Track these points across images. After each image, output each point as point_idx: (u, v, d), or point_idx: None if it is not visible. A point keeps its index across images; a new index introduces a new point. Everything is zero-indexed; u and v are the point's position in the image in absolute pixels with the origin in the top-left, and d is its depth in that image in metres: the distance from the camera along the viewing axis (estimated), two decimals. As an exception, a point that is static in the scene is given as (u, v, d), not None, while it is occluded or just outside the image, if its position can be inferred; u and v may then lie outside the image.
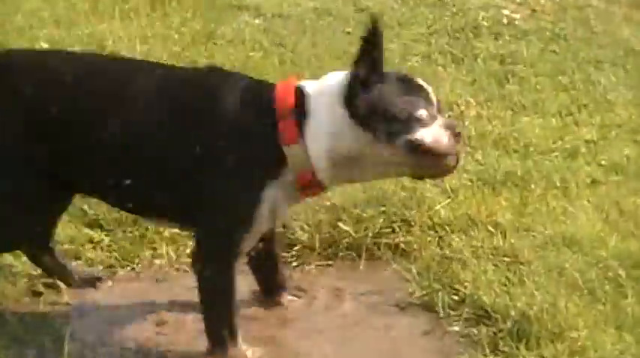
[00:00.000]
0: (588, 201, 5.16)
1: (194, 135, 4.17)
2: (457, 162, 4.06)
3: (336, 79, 4.14)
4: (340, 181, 4.26)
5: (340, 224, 4.94)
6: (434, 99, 4.07)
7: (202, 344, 4.23)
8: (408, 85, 4.08)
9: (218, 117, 4.16)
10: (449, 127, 4.02)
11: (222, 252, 4.22)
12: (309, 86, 4.17)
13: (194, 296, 4.47)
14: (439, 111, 4.07)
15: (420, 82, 4.11)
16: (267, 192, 4.11)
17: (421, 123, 3.98)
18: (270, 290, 4.66)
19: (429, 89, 4.08)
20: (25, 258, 4.78)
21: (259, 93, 4.23)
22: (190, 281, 4.70)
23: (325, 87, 4.15)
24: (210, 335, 4.26)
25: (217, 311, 4.27)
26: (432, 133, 3.97)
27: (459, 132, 4.03)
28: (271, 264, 4.62)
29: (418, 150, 3.97)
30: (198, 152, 4.14)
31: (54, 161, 4.28)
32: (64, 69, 4.41)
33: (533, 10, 7.17)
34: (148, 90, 4.30)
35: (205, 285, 4.25)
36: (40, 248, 4.67)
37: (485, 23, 6.94)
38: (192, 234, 4.35)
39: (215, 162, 4.13)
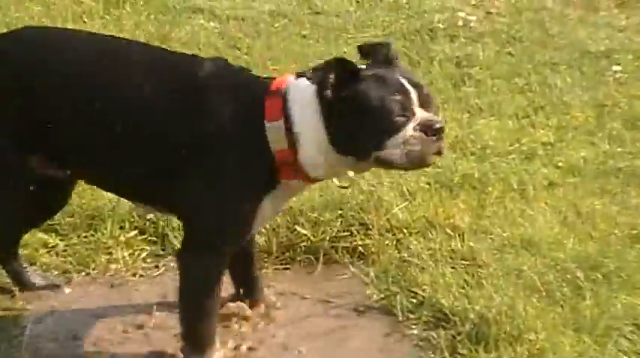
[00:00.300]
0: (546, 203, 5.17)
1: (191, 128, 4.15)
2: (438, 155, 3.99)
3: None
4: (328, 175, 4.22)
5: (297, 227, 4.94)
6: (412, 95, 3.95)
7: (163, 347, 4.24)
8: (383, 86, 3.96)
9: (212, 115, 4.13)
10: (425, 127, 3.91)
11: (215, 251, 4.17)
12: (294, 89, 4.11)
13: (151, 301, 4.48)
14: (423, 103, 3.96)
15: (397, 76, 3.99)
16: (263, 202, 4.11)
17: (395, 129, 3.91)
18: (248, 289, 4.63)
19: (407, 84, 3.95)
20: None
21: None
22: (147, 286, 4.72)
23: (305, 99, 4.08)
24: (188, 333, 4.22)
25: (197, 311, 4.23)
26: (402, 145, 3.89)
27: (438, 129, 3.93)
28: (249, 263, 4.59)
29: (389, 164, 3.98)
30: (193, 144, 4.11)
31: (53, 139, 4.26)
32: (73, 49, 4.39)
33: (489, 13, 7.19)
34: (147, 73, 4.28)
35: (193, 277, 4.19)
36: (6, 250, 4.66)
37: (440, 26, 6.95)
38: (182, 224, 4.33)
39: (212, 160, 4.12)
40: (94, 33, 4.85)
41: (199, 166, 4.11)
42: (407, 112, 3.92)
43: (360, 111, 3.95)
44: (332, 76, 3.96)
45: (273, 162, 4.05)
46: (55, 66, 4.35)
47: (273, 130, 4.04)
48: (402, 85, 3.96)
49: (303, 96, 4.03)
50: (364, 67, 4.07)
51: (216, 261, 4.17)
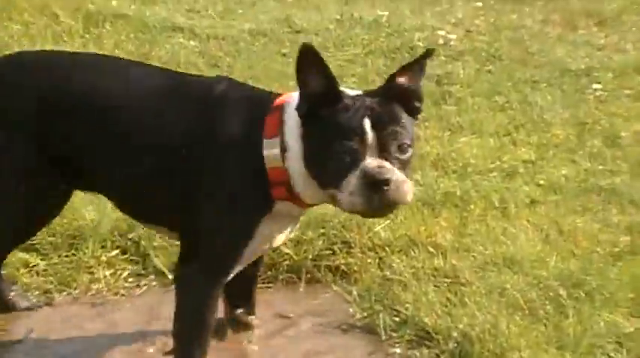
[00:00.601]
0: (527, 221, 5.18)
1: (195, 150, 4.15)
2: (383, 210, 3.89)
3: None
4: (318, 199, 4.10)
5: (280, 246, 4.93)
6: (369, 140, 3.82)
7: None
8: (343, 124, 3.85)
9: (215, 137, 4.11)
10: (367, 179, 3.79)
11: (213, 272, 4.14)
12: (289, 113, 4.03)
13: (134, 321, 4.47)
14: (382, 148, 3.82)
15: (364, 114, 3.83)
16: (261, 227, 4.07)
17: (339, 175, 3.82)
18: (238, 315, 4.60)
19: (367, 127, 3.81)
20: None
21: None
22: (129, 305, 4.71)
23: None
24: (178, 349, 4.20)
25: (195, 330, 4.22)
26: (348, 194, 3.80)
27: (379, 182, 3.79)
28: (249, 285, 4.57)
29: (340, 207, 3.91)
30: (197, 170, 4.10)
31: (66, 159, 4.24)
32: (72, 70, 4.37)
33: (468, 31, 7.22)
34: (152, 96, 4.28)
35: (189, 301, 4.17)
36: None
37: (420, 44, 6.97)
38: (182, 244, 4.28)
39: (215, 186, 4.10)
40: (86, 53, 4.81)
41: (204, 186, 4.10)
42: (354, 159, 3.81)
43: (315, 148, 3.91)
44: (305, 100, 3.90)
45: (267, 182, 4.01)
46: (63, 89, 4.35)
47: (269, 147, 4.00)
48: (362, 128, 3.82)
49: (295, 114, 3.97)
50: (351, 92, 3.95)
51: (213, 282, 4.15)
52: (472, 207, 5.27)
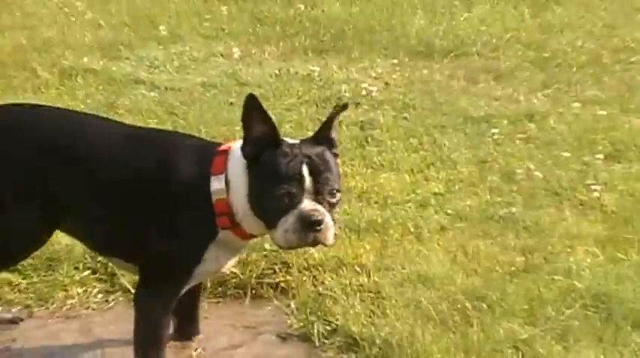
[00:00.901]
0: (438, 244, 5.19)
1: (147, 195, 4.13)
2: (317, 242, 3.88)
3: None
4: (258, 232, 4.08)
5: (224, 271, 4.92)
6: (306, 184, 3.83)
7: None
8: (283, 170, 3.85)
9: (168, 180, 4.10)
10: (303, 219, 3.80)
11: (166, 292, 4.11)
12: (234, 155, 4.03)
13: (103, 332, 4.43)
14: (316, 191, 3.83)
15: (302, 160, 3.85)
16: (207, 252, 4.06)
17: (277, 216, 3.83)
18: (185, 328, 4.57)
19: (305, 172, 3.82)
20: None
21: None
22: (99, 318, 4.67)
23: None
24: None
25: (150, 344, 4.18)
26: (283, 231, 3.83)
27: (312, 222, 3.80)
28: (194, 301, 4.52)
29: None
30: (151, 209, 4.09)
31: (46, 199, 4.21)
32: (48, 126, 4.33)
33: (387, 84, 7.23)
34: (114, 149, 4.24)
35: (145, 317, 4.14)
36: None
37: (347, 94, 6.98)
38: (139, 270, 4.23)
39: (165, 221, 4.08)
40: (67, 109, 4.75)
41: (159, 218, 4.07)
42: (292, 202, 3.81)
43: (258, 187, 3.90)
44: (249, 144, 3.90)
45: (212, 212, 3.99)
46: (44, 142, 4.31)
47: (215, 182, 3.98)
48: (300, 174, 3.83)
49: (240, 156, 3.96)
50: (289, 140, 3.95)
51: (166, 301, 4.12)
52: (391, 232, 5.26)
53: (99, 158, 4.21)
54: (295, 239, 3.84)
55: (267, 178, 3.86)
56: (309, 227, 3.81)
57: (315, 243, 3.89)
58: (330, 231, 3.87)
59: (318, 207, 3.83)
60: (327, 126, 4.00)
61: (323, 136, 4.00)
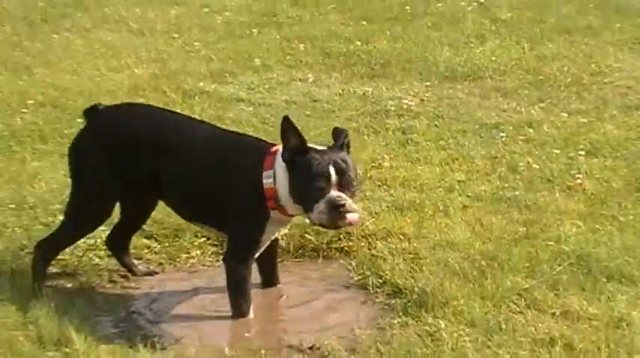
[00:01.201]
0: (461, 218, 5.16)
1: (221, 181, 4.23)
2: (342, 224, 4.05)
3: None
4: (298, 213, 4.19)
5: (306, 235, 4.93)
6: (333, 179, 4.00)
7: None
8: (316, 170, 4.00)
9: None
10: (331, 204, 3.97)
11: (244, 255, 4.23)
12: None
13: (214, 282, 4.47)
14: (341, 185, 4.00)
15: (329, 163, 4.01)
16: (266, 227, 4.19)
17: (312, 202, 3.99)
18: (268, 280, 4.60)
19: (332, 171, 3.99)
20: (106, 259, 4.75)
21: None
22: (211, 272, 4.71)
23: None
24: (233, 306, 4.25)
25: (239, 291, 4.25)
26: (318, 213, 3.99)
27: (339, 205, 3.96)
28: (271, 261, 4.56)
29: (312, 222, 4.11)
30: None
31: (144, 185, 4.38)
32: (143, 121, 4.44)
33: (422, 100, 7.18)
34: (199, 145, 4.32)
35: (232, 274, 4.25)
36: (121, 249, 4.65)
37: (392, 108, 6.94)
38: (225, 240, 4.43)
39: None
40: (175, 112, 4.87)
41: (231, 201, 4.20)
42: (322, 193, 3.96)
43: (297, 183, 4.03)
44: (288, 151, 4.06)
45: (264, 197, 4.12)
46: (149, 133, 4.38)
47: (266, 175, 4.11)
48: (328, 172, 3.98)
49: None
50: (318, 147, 4.10)
51: (246, 263, 4.23)
52: (426, 210, 5.23)
53: (188, 149, 4.31)
54: (326, 218, 4.00)
55: (303, 177, 4.01)
56: (337, 208, 3.96)
57: (344, 225, 4.05)
58: (354, 214, 4.02)
59: (342, 194, 3.98)
60: (345, 138, 4.16)
61: (343, 144, 4.14)
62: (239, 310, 4.26)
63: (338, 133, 4.21)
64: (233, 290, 4.27)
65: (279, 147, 4.16)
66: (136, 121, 4.44)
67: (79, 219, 4.45)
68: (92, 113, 4.47)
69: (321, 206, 3.99)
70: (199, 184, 4.29)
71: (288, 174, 4.07)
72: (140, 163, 4.32)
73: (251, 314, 4.27)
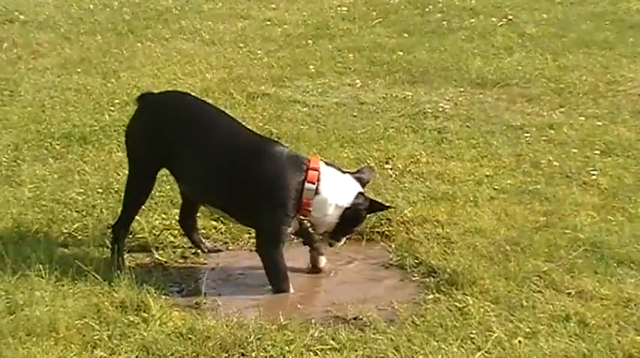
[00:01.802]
0: (488, 208, 5.11)
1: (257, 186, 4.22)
2: None
3: (345, 189, 4.24)
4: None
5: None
6: None
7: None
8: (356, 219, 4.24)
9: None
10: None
11: (275, 243, 4.23)
12: (326, 169, 4.21)
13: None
14: None
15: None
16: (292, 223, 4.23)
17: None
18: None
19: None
20: (179, 237, 4.78)
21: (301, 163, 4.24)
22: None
23: (337, 188, 4.22)
24: (274, 285, 4.26)
25: (276, 273, 4.26)
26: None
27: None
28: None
29: None
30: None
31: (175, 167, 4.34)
32: (184, 111, 4.39)
33: (456, 104, 7.09)
34: (232, 143, 4.29)
35: (267, 261, 4.25)
36: (190, 227, 4.66)
37: (429, 110, 6.87)
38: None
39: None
40: (215, 107, 4.71)
41: (266, 201, 4.17)
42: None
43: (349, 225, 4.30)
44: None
45: (300, 204, 4.13)
46: (185, 119, 4.33)
47: (308, 188, 4.13)
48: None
49: (333, 183, 4.20)
50: (364, 195, 4.26)
51: (279, 248, 4.25)
52: (457, 200, 5.20)
53: (223, 142, 4.28)
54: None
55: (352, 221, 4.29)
56: None
57: None
58: None
59: None
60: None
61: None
62: (279, 288, 4.26)
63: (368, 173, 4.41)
64: (271, 273, 4.27)
65: (319, 165, 4.18)
66: (178, 106, 4.42)
67: (131, 194, 4.45)
68: (142, 99, 4.48)
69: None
70: (232, 178, 4.25)
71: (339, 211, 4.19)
72: (177, 143, 4.30)
73: (291, 290, 4.27)
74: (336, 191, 4.19)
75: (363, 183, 4.34)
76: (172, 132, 4.28)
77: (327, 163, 4.32)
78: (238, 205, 4.28)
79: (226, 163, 4.23)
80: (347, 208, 4.20)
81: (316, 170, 4.16)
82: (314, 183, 4.14)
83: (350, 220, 4.24)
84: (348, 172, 4.41)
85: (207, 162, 4.25)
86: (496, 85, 7.50)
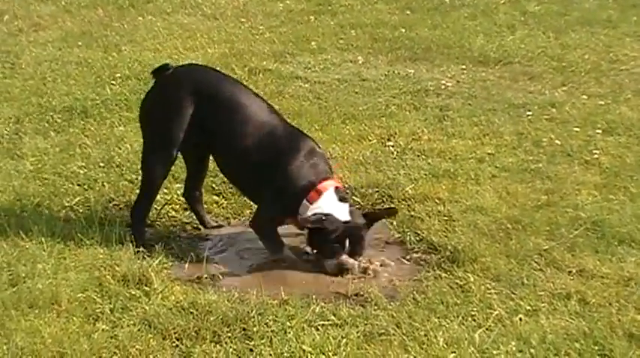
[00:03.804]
0: (490, 186, 5.10)
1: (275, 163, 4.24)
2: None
3: (340, 210, 4.20)
4: None
5: (354, 197, 4.90)
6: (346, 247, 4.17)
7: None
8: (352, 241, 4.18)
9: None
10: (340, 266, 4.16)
11: (269, 223, 4.31)
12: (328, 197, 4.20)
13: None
14: (352, 252, 4.20)
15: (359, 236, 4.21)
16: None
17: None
18: None
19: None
20: (181, 212, 4.79)
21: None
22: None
23: (332, 207, 4.19)
24: (270, 250, 4.32)
25: (270, 241, 4.33)
26: (326, 265, 4.19)
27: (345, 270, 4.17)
28: None
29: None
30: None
31: (201, 139, 4.31)
32: (208, 79, 4.39)
33: (458, 81, 7.08)
34: (259, 126, 4.29)
35: (261, 233, 4.34)
36: (195, 201, 4.65)
37: (431, 88, 6.86)
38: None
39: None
40: (237, 80, 4.71)
41: (274, 185, 4.22)
42: (336, 255, 4.17)
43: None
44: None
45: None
46: (212, 93, 4.31)
47: (304, 205, 4.19)
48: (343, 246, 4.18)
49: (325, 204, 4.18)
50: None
51: (269, 226, 4.31)
52: (459, 178, 5.19)
53: (244, 118, 4.28)
54: (330, 269, 4.22)
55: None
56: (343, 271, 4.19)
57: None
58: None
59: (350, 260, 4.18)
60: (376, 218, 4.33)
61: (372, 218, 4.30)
62: (275, 253, 4.29)
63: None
64: (266, 242, 4.32)
65: (324, 188, 4.20)
66: (200, 80, 4.38)
67: (151, 170, 4.38)
68: (161, 72, 4.43)
69: (330, 264, 4.17)
70: (249, 158, 4.27)
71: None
72: (200, 118, 4.29)
73: (286, 252, 4.30)
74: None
75: (353, 217, 4.25)
76: (208, 108, 4.26)
77: (336, 188, 4.26)
78: (255, 182, 4.31)
79: (257, 146, 4.26)
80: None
81: (320, 193, 4.19)
82: (310, 203, 4.18)
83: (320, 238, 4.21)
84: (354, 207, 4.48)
85: (239, 140, 4.26)
86: (498, 63, 7.47)
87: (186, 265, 4.27)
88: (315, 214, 4.12)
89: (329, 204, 4.17)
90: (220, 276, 4.16)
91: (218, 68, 6.94)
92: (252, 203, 4.60)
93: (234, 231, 4.67)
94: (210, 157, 4.55)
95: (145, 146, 4.44)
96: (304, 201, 4.16)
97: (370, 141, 5.71)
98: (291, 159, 4.19)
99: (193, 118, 4.26)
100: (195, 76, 4.42)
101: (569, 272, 4.14)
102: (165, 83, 4.37)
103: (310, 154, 4.25)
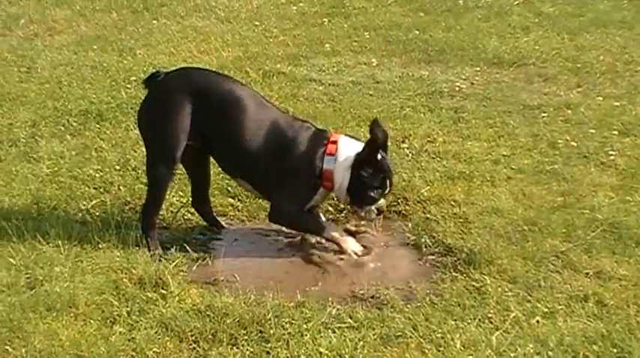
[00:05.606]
0: (505, 188, 5.09)
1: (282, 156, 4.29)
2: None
3: (354, 150, 4.29)
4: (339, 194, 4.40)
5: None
6: (388, 187, 4.31)
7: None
8: (382, 178, 4.27)
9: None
10: (378, 209, 4.36)
11: (295, 209, 4.37)
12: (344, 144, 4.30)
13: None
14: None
15: (388, 176, 4.29)
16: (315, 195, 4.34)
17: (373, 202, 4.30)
18: None
19: (390, 180, 4.31)
20: (197, 215, 4.79)
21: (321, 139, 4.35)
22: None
23: (348, 152, 4.28)
24: (311, 231, 4.46)
25: (304, 224, 4.48)
26: (364, 212, 4.36)
27: (382, 211, 4.39)
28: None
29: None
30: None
31: (201, 140, 4.33)
32: (219, 88, 4.37)
33: (472, 83, 7.06)
34: (263, 124, 4.32)
35: (292, 221, 4.42)
36: (203, 206, 4.66)
37: (446, 89, 6.84)
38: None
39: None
40: (236, 80, 4.63)
41: (287, 171, 4.28)
42: (376, 201, 4.32)
43: (358, 185, 4.27)
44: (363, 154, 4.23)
45: (321, 176, 4.27)
46: (211, 95, 4.32)
47: (328, 159, 4.25)
48: (385, 187, 4.32)
49: (348, 151, 4.28)
50: (382, 157, 4.26)
51: (302, 211, 4.39)
52: (474, 180, 5.18)
53: (246, 115, 4.31)
54: (369, 217, 4.41)
55: (367, 182, 4.30)
56: (379, 213, 4.39)
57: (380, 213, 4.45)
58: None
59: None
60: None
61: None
62: (322, 230, 4.39)
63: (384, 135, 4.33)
64: (304, 226, 4.42)
65: (337, 136, 4.24)
66: (194, 82, 4.37)
67: (156, 175, 4.38)
68: (153, 79, 4.42)
69: (368, 209, 4.33)
70: (255, 152, 4.30)
71: (352, 172, 4.22)
72: (198, 120, 4.28)
73: (328, 224, 4.43)
74: (347, 156, 4.29)
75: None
76: (205, 109, 4.26)
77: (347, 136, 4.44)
78: (266, 175, 4.34)
79: (260, 139, 4.30)
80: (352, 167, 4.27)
81: (335, 141, 4.28)
82: (332, 155, 4.24)
83: (359, 182, 4.26)
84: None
85: (242, 135, 4.28)
86: (513, 65, 7.45)
87: (203, 268, 4.27)
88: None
89: (350, 147, 4.30)
90: (237, 278, 4.16)
91: (232, 71, 7.10)
92: (266, 202, 4.61)
93: (249, 233, 4.68)
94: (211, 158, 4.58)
95: (148, 152, 4.45)
96: (326, 157, 4.24)
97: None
98: (295, 138, 4.29)
99: (191, 119, 4.27)
100: (186, 78, 4.41)
101: (587, 273, 4.12)
102: (159, 89, 4.37)
103: (308, 130, 4.36)
